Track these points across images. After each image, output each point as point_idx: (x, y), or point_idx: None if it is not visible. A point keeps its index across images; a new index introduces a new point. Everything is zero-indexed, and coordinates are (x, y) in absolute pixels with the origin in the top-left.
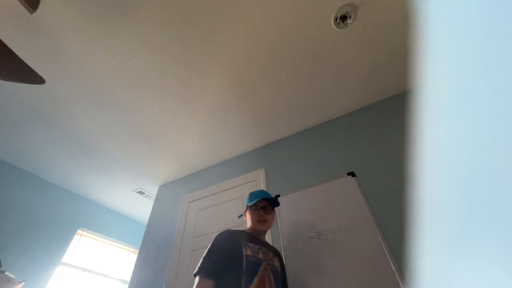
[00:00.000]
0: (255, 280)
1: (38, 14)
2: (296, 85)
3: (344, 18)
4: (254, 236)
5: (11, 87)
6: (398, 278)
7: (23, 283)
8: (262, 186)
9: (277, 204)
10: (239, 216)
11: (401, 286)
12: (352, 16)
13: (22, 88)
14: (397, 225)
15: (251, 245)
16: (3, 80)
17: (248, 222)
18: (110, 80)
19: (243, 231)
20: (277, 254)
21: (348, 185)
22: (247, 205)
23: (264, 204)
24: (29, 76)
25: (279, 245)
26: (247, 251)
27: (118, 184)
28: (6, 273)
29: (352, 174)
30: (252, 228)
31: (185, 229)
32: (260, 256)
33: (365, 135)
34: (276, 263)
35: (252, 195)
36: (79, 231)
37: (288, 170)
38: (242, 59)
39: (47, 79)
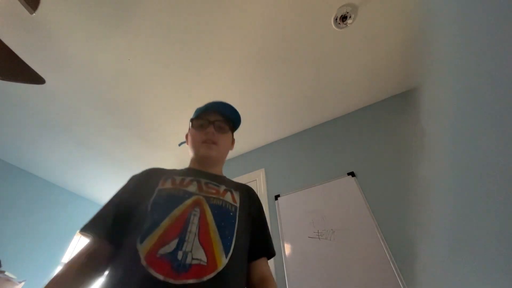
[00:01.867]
0: (166, 220)
1: (38, 14)
2: (296, 85)
3: (344, 18)
4: (195, 170)
5: (11, 87)
6: (398, 278)
7: (23, 283)
8: (262, 186)
9: (238, 120)
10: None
11: (401, 286)
12: (352, 16)
13: (22, 88)
14: (397, 225)
15: (179, 177)
16: (3, 80)
17: (190, 148)
18: (110, 80)
19: (180, 169)
20: (241, 189)
21: (348, 185)
22: (190, 120)
23: (217, 118)
24: (29, 76)
25: (279, 245)
26: (163, 185)
27: (119, 184)
28: (6, 273)
29: (352, 174)
30: (194, 156)
31: None
32: (191, 188)
33: (365, 135)
34: (231, 198)
35: (201, 107)
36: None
37: (288, 170)
38: (242, 59)
39: (47, 79)
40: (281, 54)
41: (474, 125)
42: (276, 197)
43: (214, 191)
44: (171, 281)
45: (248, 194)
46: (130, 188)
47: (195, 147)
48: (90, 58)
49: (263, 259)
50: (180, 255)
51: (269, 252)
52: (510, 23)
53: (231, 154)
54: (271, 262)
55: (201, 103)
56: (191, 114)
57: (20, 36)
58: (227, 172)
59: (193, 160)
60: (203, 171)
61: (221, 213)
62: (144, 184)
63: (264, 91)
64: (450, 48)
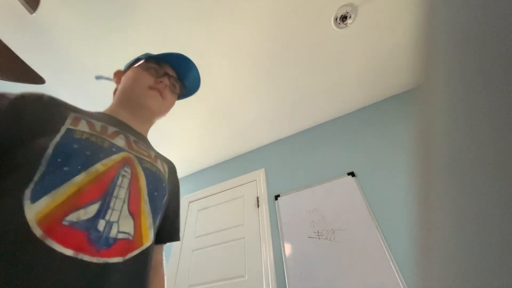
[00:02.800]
0: (82, 175)
1: (38, 14)
2: (296, 85)
3: (344, 18)
4: (119, 121)
5: (11, 87)
6: (398, 278)
7: None
8: (262, 186)
9: (191, 91)
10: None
11: (401, 286)
12: (352, 16)
13: (22, 88)
14: (397, 225)
15: (98, 123)
16: (3, 80)
17: (123, 90)
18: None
19: (95, 112)
20: (167, 162)
21: (348, 185)
22: (141, 58)
23: (174, 75)
24: (29, 76)
25: (279, 245)
26: (76, 126)
27: None
28: None
29: (352, 174)
30: (128, 102)
31: (185, 229)
32: (118, 141)
33: (365, 135)
34: (162, 168)
35: (162, 54)
36: None
37: (288, 170)
38: (241, 59)
39: (47, 79)
40: (280, 54)
41: (474, 125)
42: (276, 197)
43: (145, 154)
44: (86, 257)
45: (173, 171)
46: (3, 109)
47: (136, 91)
48: (90, 58)
49: (161, 245)
50: (101, 225)
51: (175, 240)
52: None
53: (231, 154)
54: (270, 261)
55: (201, 103)
56: (191, 114)
57: (20, 36)
58: (225, 172)
59: (120, 107)
60: (129, 125)
61: (155, 181)
62: (36, 111)
63: (264, 91)
64: (450, 48)
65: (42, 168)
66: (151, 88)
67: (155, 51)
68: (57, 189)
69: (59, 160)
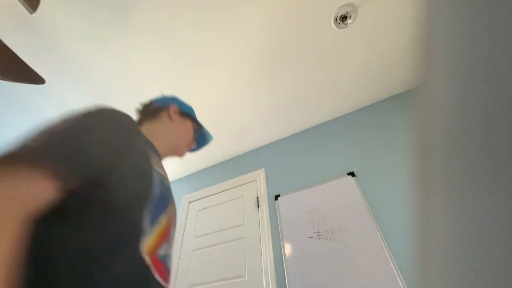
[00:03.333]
0: (164, 217)
1: (38, 14)
2: (296, 85)
3: (344, 18)
4: (159, 153)
5: (11, 87)
6: (398, 278)
7: None
8: (262, 186)
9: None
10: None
11: (401, 286)
12: (352, 16)
13: (22, 88)
14: (397, 225)
15: (157, 160)
16: (3, 80)
17: (178, 132)
18: (110, 80)
19: (145, 139)
20: None
21: (348, 185)
22: (193, 116)
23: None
24: (29, 76)
25: (279, 245)
26: (159, 167)
27: None
28: None
29: (352, 174)
30: (173, 142)
31: (185, 229)
32: (168, 182)
33: (365, 135)
34: None
35: (191, 109)
36: None
37: (288, 170)
38: (242, 59)
39: (47, 79)
40: (281, 54)
41: (473, 125)
42: (276, 197)
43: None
44: (164, 285)
45: None
46: (119, 134)
47: (183, 142)
48: (89, 58)
49: None
50: (168, 258)
51: None
52: (509, 23)
53: (231, 154)
54: (270, 261)
55: (201, 103)
56: None
57: (20, 36)
58: (225, 172)
59: (163, 143)
60: (162, 158)
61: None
62: (135, 147)
63: (264, 91)
64: (451, 48)
65: (150, 209)
66: (187, 144)
67: (154, 52)
68: (154, 227)
69: (157, 202)
